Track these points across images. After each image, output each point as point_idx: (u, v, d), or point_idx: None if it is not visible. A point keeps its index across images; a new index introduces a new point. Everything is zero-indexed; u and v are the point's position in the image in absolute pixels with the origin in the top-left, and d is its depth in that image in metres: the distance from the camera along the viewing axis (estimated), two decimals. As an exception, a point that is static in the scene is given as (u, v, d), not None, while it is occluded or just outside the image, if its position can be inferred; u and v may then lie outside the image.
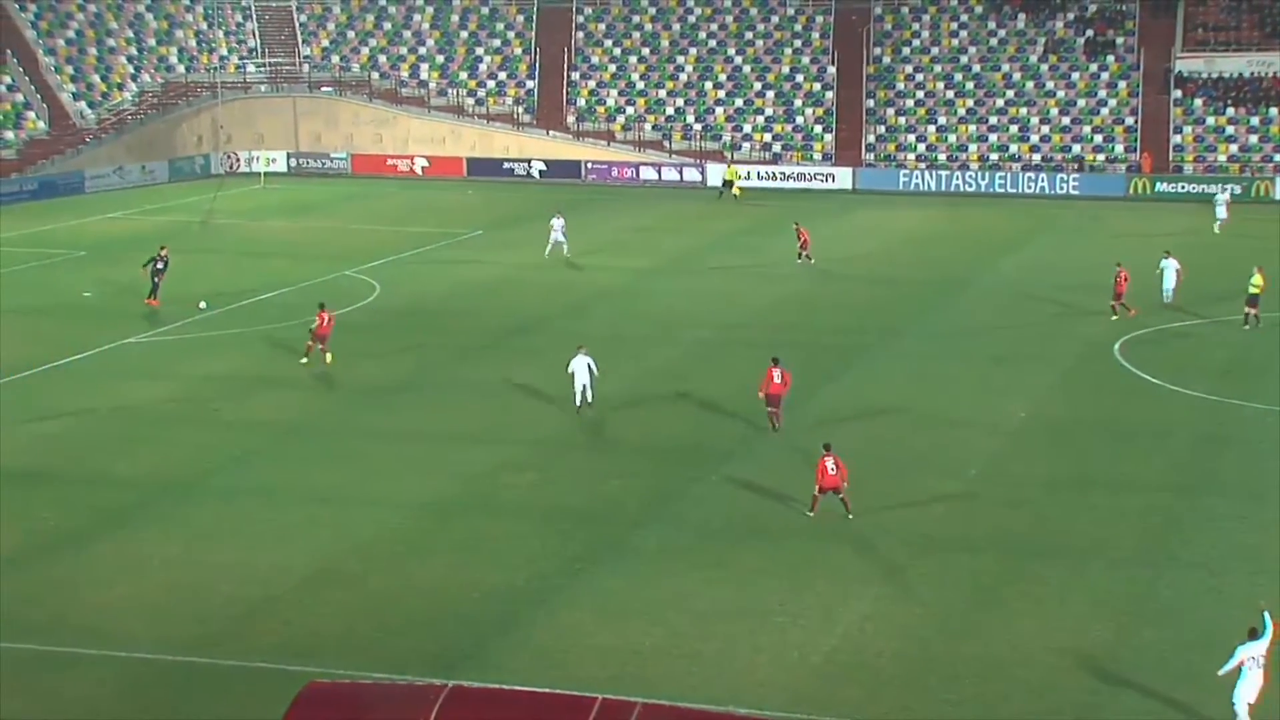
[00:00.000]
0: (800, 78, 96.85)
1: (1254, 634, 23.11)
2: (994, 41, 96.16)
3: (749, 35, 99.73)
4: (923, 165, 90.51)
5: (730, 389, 41.89)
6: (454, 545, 31.41)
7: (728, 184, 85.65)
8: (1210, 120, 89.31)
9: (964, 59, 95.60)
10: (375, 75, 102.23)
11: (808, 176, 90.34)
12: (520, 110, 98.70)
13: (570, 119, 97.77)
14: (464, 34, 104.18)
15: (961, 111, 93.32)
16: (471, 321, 52.65)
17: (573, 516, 32.89)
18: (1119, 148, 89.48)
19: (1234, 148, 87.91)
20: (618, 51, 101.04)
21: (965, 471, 35.67)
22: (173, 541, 31.55)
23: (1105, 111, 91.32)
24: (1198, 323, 51.40)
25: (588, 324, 50.15)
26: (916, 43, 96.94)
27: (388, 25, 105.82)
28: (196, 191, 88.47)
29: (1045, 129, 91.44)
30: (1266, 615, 23.49)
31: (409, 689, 20.98)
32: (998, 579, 29.39)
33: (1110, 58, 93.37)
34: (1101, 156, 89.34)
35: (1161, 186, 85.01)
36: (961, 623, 27.37)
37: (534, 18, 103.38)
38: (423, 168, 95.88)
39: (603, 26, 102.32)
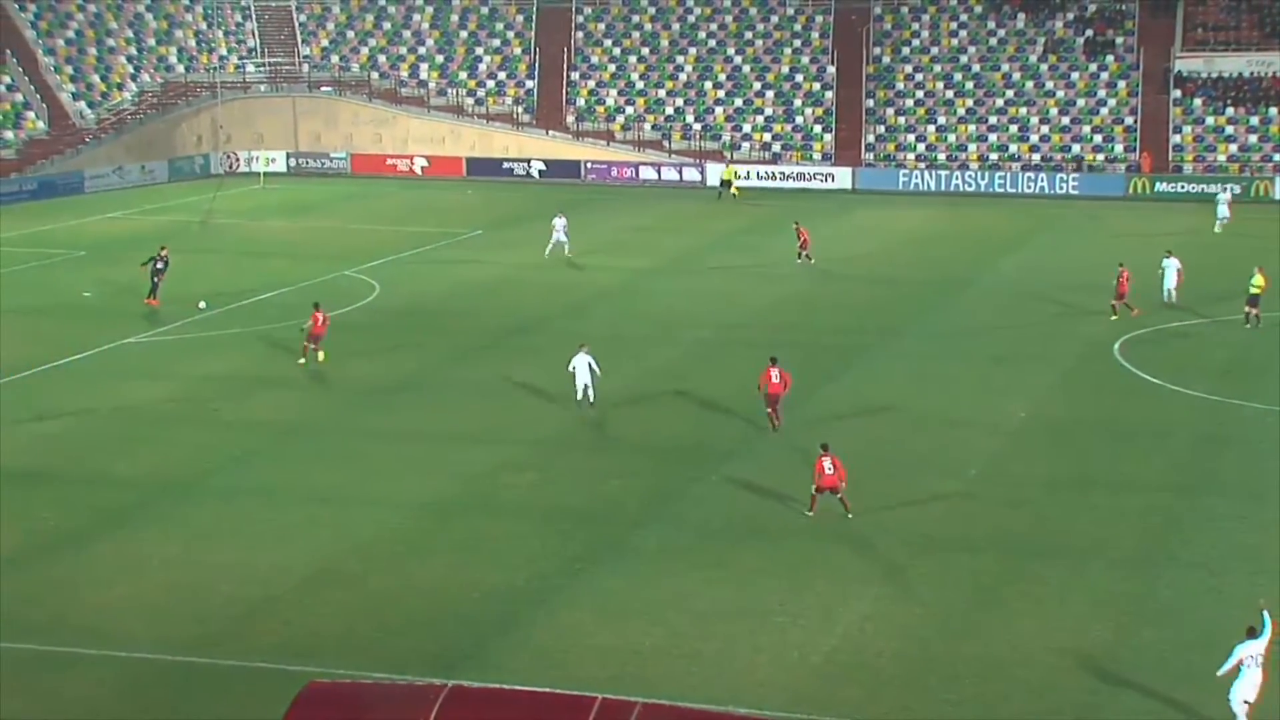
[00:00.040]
0: (800, 77, 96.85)
1: (1252, 633, 23.11)
2: (993, 41, 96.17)
3: (748, 35, 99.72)
4: (922, 165, 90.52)
5: (730, 389, 41.88)
6: (454, 545, 31.41)
7: (726, 184, 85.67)
8: (1210, 120, 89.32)
9: (963, 59, 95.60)
10: (375, 75, 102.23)
11: (807, 176, 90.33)
12: (520, 110, 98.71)
13: (570, 119, 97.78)
14: (463, 34, 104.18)
15: (961, 111, 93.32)
16: (471, 321, 52.64)
17: (573, 516, 32.89)
18: (1118, 147, 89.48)
19: (1233, 147, 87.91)
20: (617, 51, 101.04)
21: (965, 471, 35.67)
22: (172, 541, 31.55)
23: (1105, 111, 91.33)
24: (1198, 322, 51.41)
25: (587, 324, 50.14)
26: (916, 42, 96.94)
27: (387, 25, 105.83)
28: (196, 191, 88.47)
29: (1045, 129, 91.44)
30: (1265, 614, 23.48)
31: (409, 689, 20.98)
32: (998, 579, 29.39)
33: (1110, 57, 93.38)
34: (1101, 156, 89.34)
35: (1161, 186, 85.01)
36: (961, 623, 27.37)
37: (533, 17, 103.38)
38: (422, 167, 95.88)
39: (602, 26, 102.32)
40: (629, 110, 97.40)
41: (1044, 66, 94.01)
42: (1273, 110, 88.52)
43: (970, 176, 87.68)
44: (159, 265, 54.00)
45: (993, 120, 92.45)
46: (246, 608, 28.13)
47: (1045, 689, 24.80)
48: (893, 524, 32.11)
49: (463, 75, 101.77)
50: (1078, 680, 25.09)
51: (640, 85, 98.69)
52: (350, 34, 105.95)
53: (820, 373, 44.09)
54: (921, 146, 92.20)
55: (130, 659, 25.95)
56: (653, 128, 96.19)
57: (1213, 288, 54.83)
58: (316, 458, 37.42)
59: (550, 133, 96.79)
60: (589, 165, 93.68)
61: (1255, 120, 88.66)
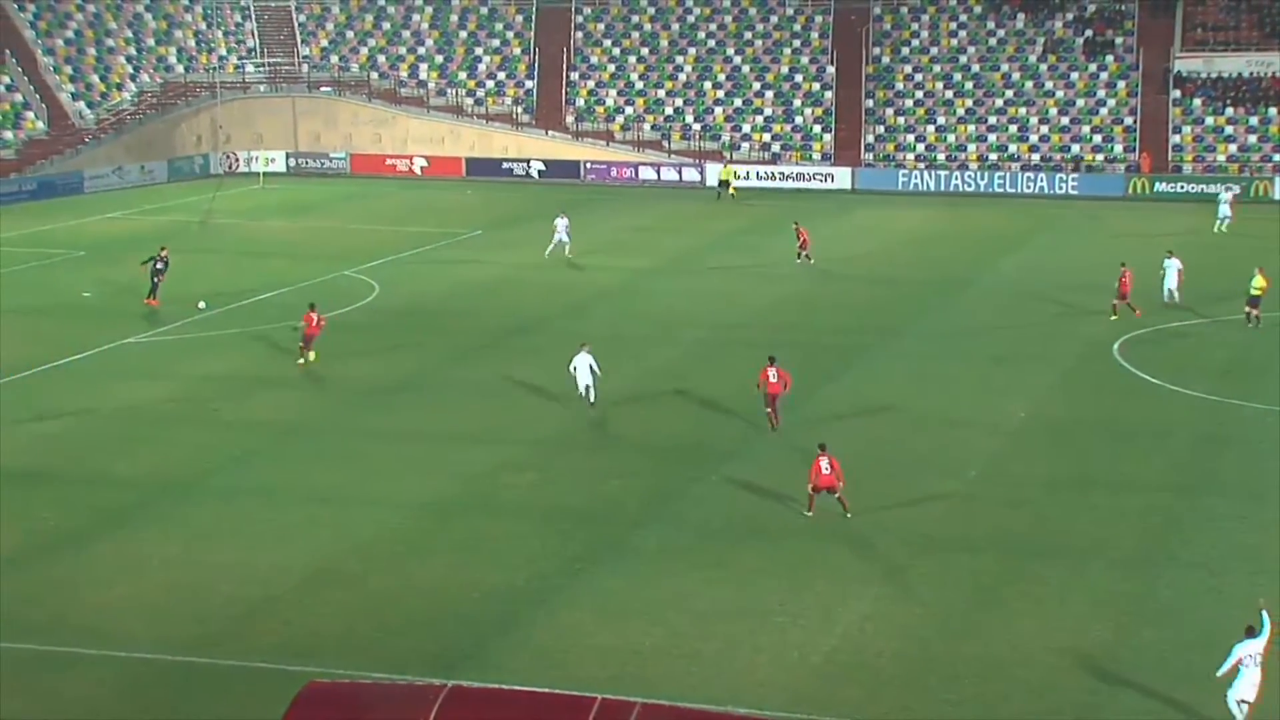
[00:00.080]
0: (799, 78, 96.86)
1: (1251, 632, 23.10)
2: (993, 41, 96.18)
3: (748, 35, 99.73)
4: (922, 165, 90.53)
5: (730, 389, 41.88)
6: (454, 545, 31.41)
7: (724, 184, 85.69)
8: (1209, 120, 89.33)
9: (963, 59, 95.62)
10: (374, 75, 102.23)
11: (807, 176, 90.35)
12: (519, 110, 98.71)
13: (569, 119, 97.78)
14: (463, 34, 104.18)
15: (960, 111, 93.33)
16: (471, 321, 52.65)
17: (573, 516, 32.89)
18: (1118, 148, 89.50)
19: (1233, 147, 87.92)
20: (617, 51, 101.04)
21: (965, 471, 35.68)
22: (172, 541, 31.55)
23: (1104, 111, 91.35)
24: (1197, 322, 51.41)
25: (587, 324, 50.12)
26: (915, 43, 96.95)
27: (387, 25, 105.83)
28: (195, 191, 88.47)
29: (1044, 129, 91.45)
30: (1265, 613, 23.48)
31: (409, 689, 20.98)
32: (998, 579, 29.39)
33: (1109, 58, 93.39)
34: (1100, 156, 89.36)
35: (1160, 186, 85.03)
36: (961, 623, 27.37)
37: (533, 18, 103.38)
38: (422, 168, 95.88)
39: (602, 26, 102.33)
40: (628, 110, 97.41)
41: (1043, 67, 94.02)
42: (1272, 110, 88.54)
43: (970, 176, 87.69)
44: (159, 265, 54.00)
45: (992, 120, 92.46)
46: (246, 608, 28.13)
47: (1045, 689, 24.80)
48: (893, 524, 32.11)
49: (462, 75, 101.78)
50: (1078, 680, 25.09)
51: (640, 85, 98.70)
52: (350, 34, 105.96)
53: (820, 373, 44.09)
54: (921, 147, 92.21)
55: (130, 659, 25.95)
56: (652, 128, 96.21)
57: (1213, 288, 54.83)
58: (316, 458, 37.42)
59: (550, 133, 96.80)
60: (588, 165, 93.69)
61: (1255, 120, 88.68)
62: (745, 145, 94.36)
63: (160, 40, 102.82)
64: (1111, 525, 32.16)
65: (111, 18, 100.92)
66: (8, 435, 38.68)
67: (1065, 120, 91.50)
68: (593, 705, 18.27)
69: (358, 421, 40.53)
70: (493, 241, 70.08)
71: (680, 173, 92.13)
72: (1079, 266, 62.41)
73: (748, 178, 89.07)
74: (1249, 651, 22.79)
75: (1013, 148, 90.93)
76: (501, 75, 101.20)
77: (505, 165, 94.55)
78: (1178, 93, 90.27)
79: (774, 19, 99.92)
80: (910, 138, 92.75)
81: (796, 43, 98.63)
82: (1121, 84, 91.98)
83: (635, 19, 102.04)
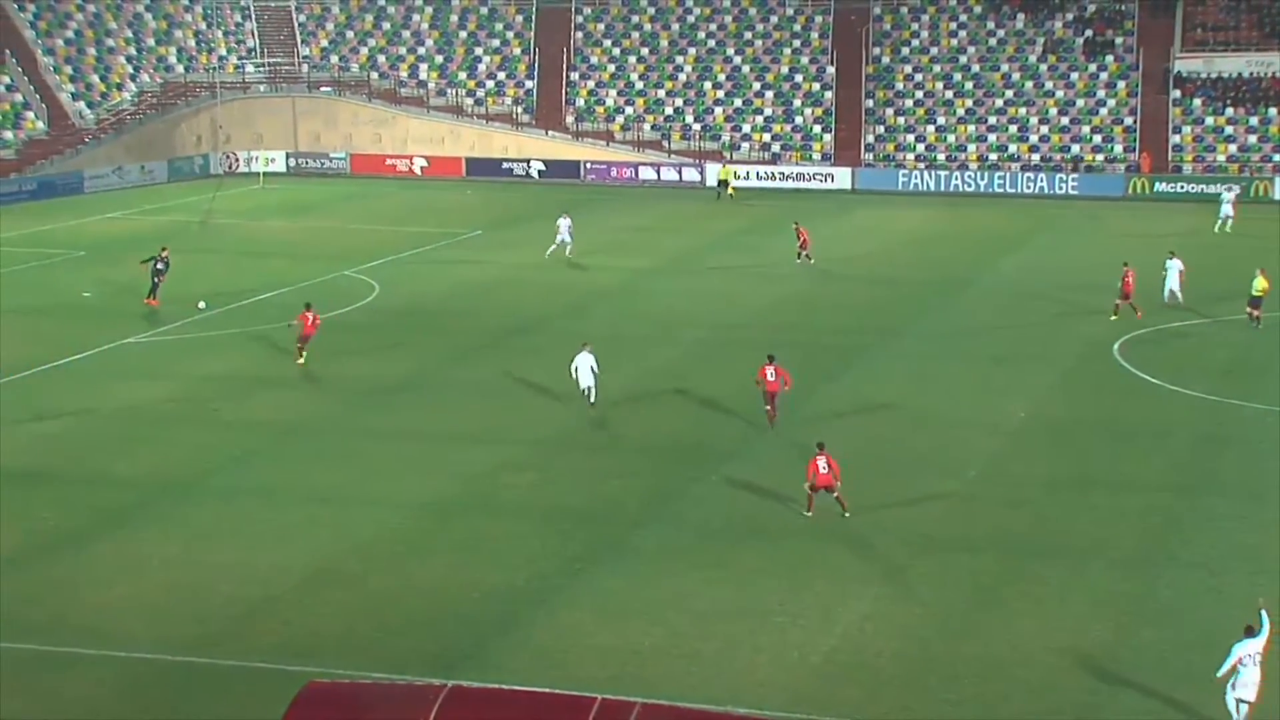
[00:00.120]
0: (799, 78, 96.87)
1: (1250, 631, 23.10)
2: (993, 41, 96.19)
3: (748, 35, 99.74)
4: (922, 165, 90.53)
5: (730, 389, 41.88)
6: (454, 545, 31.41)
7: (723, 183, 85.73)
8: (1209, 120, 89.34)
9: (963, 59, 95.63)
10: (374, 75, 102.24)
11: (807, 176, 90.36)
12: (519, 110, 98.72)
13: (569, 119, 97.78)
14: (463, 34, 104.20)
15: (960, 111, 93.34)
16: (471, 321, 52.65)
17: (573, 516, 32.90)
18: (1118, 148, 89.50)
19: (1233, 148, 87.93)
20: (617, 51, 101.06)
21: (965, 471, 35.68)
22: (172, 541, 31.55)
23: (1104, 111, 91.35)
24: (1197, 322, 51.40)
25: (587, 324, 50.11)
26: (915, 43, 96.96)
27: (387, 25, 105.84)
28: (195, 191, 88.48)
29: (1044, 129, 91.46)
30: (1264, 613, 23.48)
31: (408, 689, 20.97)
32: (997, 579, 29.40)
33: (1109, 58, 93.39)
34: (1100, 156, 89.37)
35: (1160, 186, 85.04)
36: (961, 623, 27.37)
37: (533, 18, 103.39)
38: (422, 168, 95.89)
39: (602, 26, 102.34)
40: (628, 110, 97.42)
41: (1043, 67, 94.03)
42: (1272, 110, 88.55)
43: (970, 177, 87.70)
44: (159, 266, 54.01)
45: (992, 120, 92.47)
46: (246, 608, 28.13)
47: (1045, 689, 24.80)
48: (892, 524, 32.12)
49: (462, 75, 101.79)
50: (1078, 680, 25.09)
51: (640, 85, 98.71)
52: (350, 34, 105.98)
53: (820, 373, 44.10)
54: (921, 147, 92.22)
55: (130, 659, 25.95)
56: (652, 128, 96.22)
57: (1213, 288, 54.83)
58: (316, 458, 37.42)
59: (550, 133, 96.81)
60: (588, 165, 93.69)
61: (1255, 120, 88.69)
62: (745, 145, 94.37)
63: (160, 40, 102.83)
64: (1111, 525, 32.16)
65: (111, 18, 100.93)
66: (8, 435, 38.68)
67: (1065, 120, 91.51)
68: (593, 705, 18.26)
69: (358, 421, 40.53)
70: (493, 241, 70.08)
71: (680, 173, 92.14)
72: (1079, 266, 62.44)
73: (748, 178, 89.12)
74: (1248, 651, 22.78)
75: (1013, 148, 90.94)
76: (501, 75, 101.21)
77: (505, 165, 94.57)
78: (1178, 93, 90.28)
79: (774, 19, 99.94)
80: (910, 138, 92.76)
81: (796, 43, 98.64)
82: (1121, 84, 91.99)
83: (635, 19, 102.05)
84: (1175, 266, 53.19)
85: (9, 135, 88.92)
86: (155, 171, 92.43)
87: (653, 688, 23.91)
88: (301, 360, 45.62)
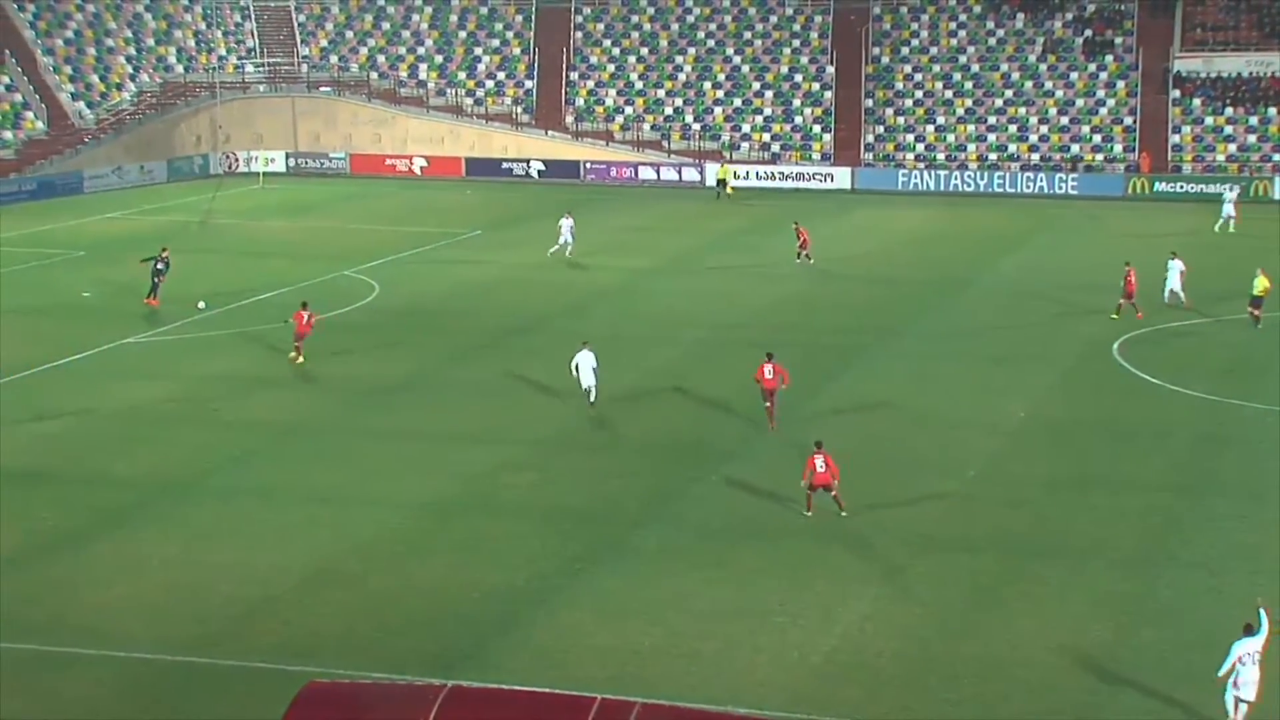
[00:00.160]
0: (799, 77, 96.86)
1: (1249, 630, 23.12)
2: (992, 41, 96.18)
3: (747, 35, 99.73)
4: (921, 165, 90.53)
5: (730, 389, 41.88)
6: (454, 545, 31.41)
7: (722, 183, 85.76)
8: (1209, 120, 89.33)
9: (963, 59, 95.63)
10: (374, 75, 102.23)
11: (806, 176, 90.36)
12: (519, 110, 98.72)
13: (569, 119, 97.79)
14: (462, 34, 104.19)
15: (960, 111, 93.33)
16: (471, 321, 52.65)
17: (572, 516, 32.89)
18: (1117, 147, 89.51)
19: (1232, 147, 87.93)
20: (616, 51, 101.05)
21: (964, 471, 35.68)
22: (172, 541, 31.55)
23: (1104, 111, 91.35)
24: (1197, 322, 51.40)
25: (587, 324, 50.09)
26: (915, 42, 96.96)
27: (386, 25, 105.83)
28: (195, 191, 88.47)
29: (1044, 129, 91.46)
30: (1262, 611, 23.49)
31: (408, 689, 20.98)
32: (997, 579, 29.39)
33: (1109, 57, 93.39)
34: (1100, 156, 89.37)
35: (1160, 186, 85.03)
36: (961, 623, 27.37)
37: (532, 18, 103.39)
38: (421, 168, 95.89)
39: (601, 26, 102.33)
40: (628, 110, 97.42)
41: (1043, 66, 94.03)
42: (1272, 110, 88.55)
43: (969, 176, 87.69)
44: (159, 266, 54.04)
45: (992, 120, 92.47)
46: (246, 608, 28.12)
47: (1045, 689, 24.80)
48: (892, 524, 32.12)
49: (462, 75, 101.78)
50: (1077, 680, 25.09)
51: (639, 85, 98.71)
52: (349, 34, 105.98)
53: (820, 372, 44.11)
54: (920, 146, 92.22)
55: (129, 659, 25.95)
56: (652, 128, 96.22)
57: (1213, 288, 54.79)
58: (316, 458, 37.42)
59: (549, 133, 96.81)
60: (588, 165, 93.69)
61: (1254, 120, 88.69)
62: (745, 145, 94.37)
63: (160, 40, 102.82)
64: (1111, 525, 32.16)
65: (111, 18, 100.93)
66: (7, 435, 38.67)
67: (1065, 120, 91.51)
68: (592, 705, 18.27)
69: (357, 421, 40.53)
70: (492, 241, 70.08)
71: (680, 173, 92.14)
72: (1079, 266, 62.44)
73: (747, 178, 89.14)
74: (1247, 649, 22.79)
75: (1012, 147, 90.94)
76: (501, 75, 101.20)
77: (505, 165, 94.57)
78: (1177, 92, 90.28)
79: (773, 19, 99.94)
80: (910, 138, 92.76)
81: (796, 42, 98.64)
82: (1121, 84, 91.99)
83: (635, 19, 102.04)
84: (1176, 267, 53.13)
85: (8, 135, 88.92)
86: (155, 171, 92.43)
87: (652, 688, 23.91)
88: (300, 359, 45.62)
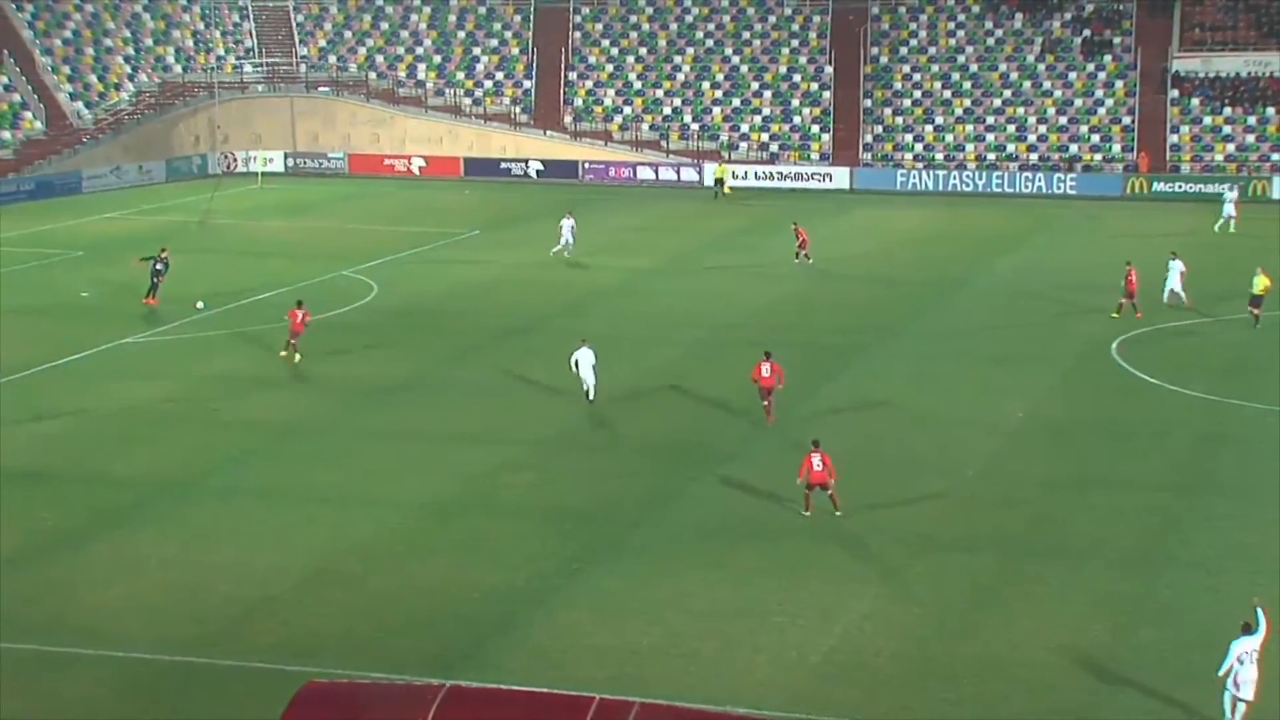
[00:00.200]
0: (797, 77, 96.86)
1: (1247, 629, 23.15)
2: (991, 41, 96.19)
3: (746, 35, 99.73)
4: (920, 165, 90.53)
5: (728, 389, 41.89)
6: (453, 545, 31.41)
7: (719, 182, 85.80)
8: (1207, 120, 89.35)
9: (961, 59, 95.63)
10: (372, 75, 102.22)
11: (805, 176, 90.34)
12: (517, 110, 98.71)
13: (567, 119, 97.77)
14: (461, 34, 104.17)
15: (959, 111, 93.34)
16: (469, 321, 52.64)
17: (571, 516, 32.90)
18: (1116, 147, 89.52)
19: (1231, 147, 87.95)
20: (615, 51, 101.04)
21: (963, 471, 35.68)
22: (171, 541, 31.54)
23: (1102, 111, 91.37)
24: (1196, 322, 51.40)
25: (586, 324, 50.06)
26: (914, 42, 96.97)
27: (385, 25, 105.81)
28: (194, 191, 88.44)
29: (1042, 129, 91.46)
30: (1260, 610, 23.51)
31: (407, 689, 20.99)
32: (996, 579, 29.40)
33: (1107, 57, 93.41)
34: (1099, 156, 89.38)
35: (1159, 186, 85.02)
36: (960, 622, 27.37)
37: (531, 18, 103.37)
38: (420, 168, 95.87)
39: (600, 26, 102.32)
40: (626, 110, 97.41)
41: (1041, 66, 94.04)
42: (1270, 110, 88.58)
43: (968, 176, 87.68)
44: (158, 266, 54.06)
45: (990, 120, 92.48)
46: (245, 608, 28.12)
47: (1044, 689, 24.80)
48: (891, 524, 32.12)
49: (460, 75, 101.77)
50: (1077, 680, 25.09)
51: (638, 85, 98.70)
52: (348, 34, 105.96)
53: (818, 372, 44.12)
54: (919, 146, 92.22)
55: (128, 659, 25.95)
56: (650, 128, 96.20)
57: (1212, 287, 54.77)
58: (315, 458, 37.41)
59: (548, 133, 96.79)
60: (587, 165, 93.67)
61: (1253, 120, 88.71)
62: (743, 145, 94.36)
63: (158, 40, 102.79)
64: (1110, 525, 32.16)
65: (109, 18, 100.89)
66: (6, 435, 38.65)
67: (1063, 120, 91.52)
68: (591, 705, 18.27)
69: (356, 421, 40.53)
70: (491, 241, 70.07)
71: (678, 172, 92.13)
72: (1077, 266, 62.46)
73: (745, 177, 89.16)
74: (1246, 649, 22.82)
75: (1011, 147, 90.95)
76: (499, 75, 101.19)
77: (503, 165, 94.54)
78: (1175, 92, 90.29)
79: (772, 19, 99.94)
80: (908, 137, 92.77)
81: (794, 42, 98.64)
82: (1119, 84, 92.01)
83: (633, 19, 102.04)
84: (1177, 267, 53.09)
85: (7, 135, 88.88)
86: (153, 171, 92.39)
87: (651, 688, 23.92)
88: (297, 357, 45.65)
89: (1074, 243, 70.12)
